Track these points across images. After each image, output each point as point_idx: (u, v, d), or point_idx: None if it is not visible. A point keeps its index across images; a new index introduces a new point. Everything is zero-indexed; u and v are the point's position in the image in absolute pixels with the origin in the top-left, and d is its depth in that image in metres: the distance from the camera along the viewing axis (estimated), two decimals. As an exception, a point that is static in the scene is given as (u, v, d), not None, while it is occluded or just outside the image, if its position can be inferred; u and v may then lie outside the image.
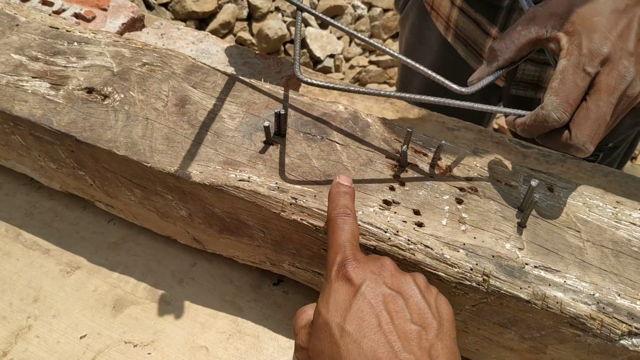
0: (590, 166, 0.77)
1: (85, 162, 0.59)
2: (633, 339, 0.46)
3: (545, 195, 0.54)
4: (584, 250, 0.50)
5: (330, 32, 2.34)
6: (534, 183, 0.49)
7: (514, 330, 0.51)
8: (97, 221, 0.70)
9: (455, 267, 0.49)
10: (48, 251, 0.67)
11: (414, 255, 0.49)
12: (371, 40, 0.57)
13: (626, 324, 0.46)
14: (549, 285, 0.48)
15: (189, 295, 0.64)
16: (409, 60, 0.54)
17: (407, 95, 0.52)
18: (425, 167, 0.55)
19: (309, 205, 0.51)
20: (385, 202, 0.52)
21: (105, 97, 0.60)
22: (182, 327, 0.61)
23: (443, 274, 0.49)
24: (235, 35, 2.30)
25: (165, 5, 2.30)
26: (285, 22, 2.30)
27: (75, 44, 0.65)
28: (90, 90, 0.60)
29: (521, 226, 0.51)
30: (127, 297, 0.63)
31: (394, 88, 2.20)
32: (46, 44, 0.65)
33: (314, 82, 0.52)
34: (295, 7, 0.56)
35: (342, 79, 2.26)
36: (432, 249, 0.49)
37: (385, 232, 0.50)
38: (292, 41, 2.29)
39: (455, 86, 0.52)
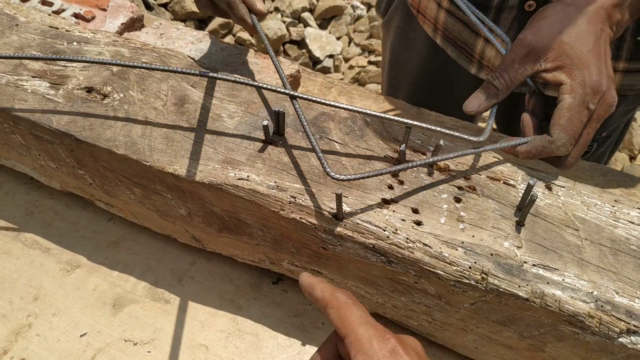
0: (588, 165, 0.77)
1: (85, 161, 0.60)
2: (631, 337, 0.47)
3: (544, 194, 0.54)
4: (583, 248, 0.50)
5: (330, 33, 2.35)
6: (532, 182, 0.49)
7: (513, 329, 0.51)
8: (96, 220, 0.70)
9: (454, 265, 0.49)
10: (48, 250, 0.67)
11: (413, 253, 0.49)
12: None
13: (624, 321, 0.46)
14: (548, 283, 0.48)
15: (189, 293, 0.64)
16: (424, 125, 0.54)
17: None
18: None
19: (308, 203, 0.51)
20: (384, 200, 0.52)
21: (105, 96, 0.60)
22: (181, 325, 0.61)
23: (442, 272, 0.49)
24: (234, 35, 2.29)
25: (164, 5, 2.30)
26: (284, 22, 2.30)
27: (75, 43, 0.65)
28: (89, 90, 0.60)
29: (519, 225, 0.51)
30: (127, 296, 0.63)
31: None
32: (46, 44, 0.65)
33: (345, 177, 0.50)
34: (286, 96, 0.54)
35: (342, 79, 2.26)
36: (430, 247, 0.49)
37: (384, 230, 0.50)
38: (291, 41, 2.29)
39: (472, 137, 0.55)
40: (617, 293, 0.48)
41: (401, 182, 0.54)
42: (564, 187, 0.55)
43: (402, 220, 0.51)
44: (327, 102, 0.54)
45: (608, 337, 0.47)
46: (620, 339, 0.47)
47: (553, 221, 0.52)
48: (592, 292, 0.47)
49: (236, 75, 0.58)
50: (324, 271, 0.57)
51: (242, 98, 0.60)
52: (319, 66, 2.26)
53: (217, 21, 2.26)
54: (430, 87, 0.96)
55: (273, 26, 2.23)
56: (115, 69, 0.62)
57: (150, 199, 0.60)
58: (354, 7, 2.41)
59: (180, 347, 0.60)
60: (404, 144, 0.53)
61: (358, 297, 0.57)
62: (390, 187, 0.53)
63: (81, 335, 0.60)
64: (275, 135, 0.57)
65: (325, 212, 0.51)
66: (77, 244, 0.68)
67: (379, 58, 2.26)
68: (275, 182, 0.53)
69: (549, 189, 0.55)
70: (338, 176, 0.49)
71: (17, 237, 0.68)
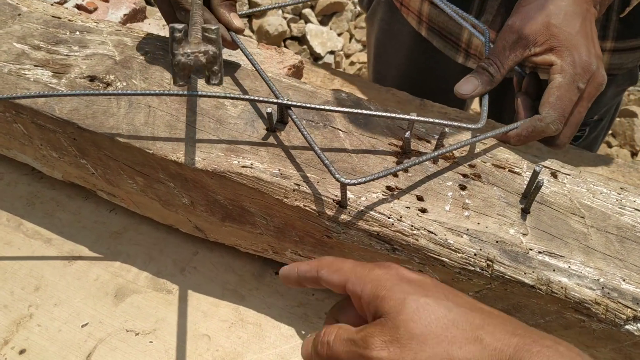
0: (592, 156, 0.77)
1: (88, 150, 0.59)
2: (638, 324, 0.46)
3: (549, 181, 0.54)
4: (589, 236, 0.50)
5: (331, 29, 2.34)
6: (537, 169, 0.49)
7: (519, 317, 0.51)
8: (98, 210, 0.70)
9: (459, 253, 0.48)
10: (49, 240, 0.67)
11: (418, 240, 0.49)
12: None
13: (631, 308, 0.46)
14: (554, 270, 0.47)
15: (191, 284, 0.64)
16: (422, 118, 0.54)
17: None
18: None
19: (313, 191, 0.51)
20: (389, 188, 0.52)
21: (108, 85, 0.60)
22: (184, 315, 0.61)
23: (447, 260, 0.49)
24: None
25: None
26: (285, 18, 2.30)
27: (78, 33, 0.65)
28: (92, 79, 0.60)
29: (525, 212, 0.51)
30: (129, 286, 0.63)
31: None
32: (48, 33, 0.65)
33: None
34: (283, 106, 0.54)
35: (343, 75, 2.25)
36: (435, 234, 0.49)
37: (389, 217, 0.50)
38: (292, 37, 2.29)
39: (471, 125, 0.55)
40: (624, 280, 0.47)
41: (405, 170, 0.53)
42: (569, 174, 0.55)
43: (407, 207, 0.51)
44: (322, 107, 0.53)
45: (614, 325, 0.47)
46: (626, 326, 0.46)
47: (559, 209, 0.52)
48: (598, 279, 0.47)
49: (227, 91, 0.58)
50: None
51: (246, 86, 0.60)
52: (320, 62, 2.26)
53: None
54: (417, 78, 0.96)
55: (274, 22, 2.23)
56: (117, 57, 0.62)
57: (152, 188, 0.60)
58: (354, 3, 2.40)
59: (183, 338, 0.59)
60: (409, 132, 0.53)
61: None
62: (395, 175, 0.53)
63: (82, 326, 0.60)
64: (278, 123, 0.56)
65: (329, 200, 0.51)
66: (78, 235, 0.67)
67: (380, 54, 2.25)
68: (279, 169, 0.52)
69: (555, 176, 0.54)
70: (348, 181, 0.48)
71: (19, 228, 0.67)
